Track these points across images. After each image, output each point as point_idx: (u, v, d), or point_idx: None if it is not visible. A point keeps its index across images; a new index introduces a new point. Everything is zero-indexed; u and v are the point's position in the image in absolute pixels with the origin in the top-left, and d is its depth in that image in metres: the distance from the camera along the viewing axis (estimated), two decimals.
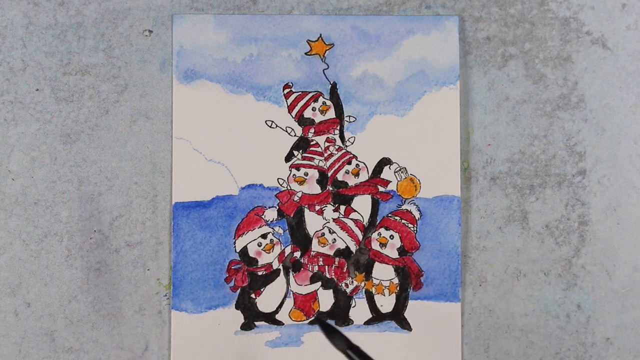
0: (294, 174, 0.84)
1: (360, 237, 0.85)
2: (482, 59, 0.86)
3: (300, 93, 0.85)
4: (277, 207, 0.84)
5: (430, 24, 0.85)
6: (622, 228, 0.85)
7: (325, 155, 0.85)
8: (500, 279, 0.85)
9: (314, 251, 0.84)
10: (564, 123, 0.85)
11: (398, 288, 0.84)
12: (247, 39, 0.84)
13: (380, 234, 0.84)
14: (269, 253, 0.84)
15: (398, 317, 0.84)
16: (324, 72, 0.85)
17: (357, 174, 0.85)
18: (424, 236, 0.84)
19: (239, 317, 0.83)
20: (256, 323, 0.83)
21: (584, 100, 0.86)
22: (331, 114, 0.85)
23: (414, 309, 0.84)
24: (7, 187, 0.83)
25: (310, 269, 0.84)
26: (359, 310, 0.84)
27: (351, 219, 0.85)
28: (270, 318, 0.84)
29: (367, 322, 0.84)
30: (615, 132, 0.85)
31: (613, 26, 0.86)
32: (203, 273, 0.83)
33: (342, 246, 0.84)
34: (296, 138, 0.85)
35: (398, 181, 0.85)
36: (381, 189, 0.85)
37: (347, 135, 0.85)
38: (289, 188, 0.84)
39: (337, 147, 0.85)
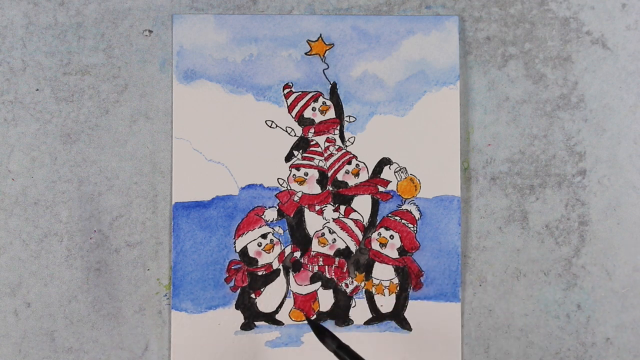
0: (294, 174, 0.84)
1: (360, 237, 0.85)
2: (482, 59, 0.86)
3: (300, 93, 0.85)
4: (277, 207, 0.84)
5: (430, 24, 0.85)
6: (622, 228, 0.85)
7: (325, 155, 0.85)
8: (500, 279, 0.85)
9: (314, 251, 0.84)
10: (564, 123, 0.85)
11: (398, 288, 0.84)
12: (247, 39, 0.84)
13: (380, 234, 0.84)
14: (269, 253, 0.84)
15: (398, 317, 0.84)
16: (324, 72, 0.85)
17: (357, 174, 0.85)
18: (424, 236, 0.84)
19: (239, 317, 0.83)
20: (256, 323, 0.83)
21: (584, 100, 0.86)
22: (331, 114, 0.85)
23: (414, 309, 0.84)
24: (7, 187, 0.83)
25: (310, 269, 0.84)
26: (359, 310, 0.84)
27: (351, 219, 0.85)
28: (270, 318, 0.84)
29: (367, 322, 0.84)
30: (615, 132, 0.85)
31: (613, 26, 0.86)
32: (203, 273, 0.83)
33: (342, 246, 0.84)
34: (296, 138, 0.85)
35: (398, 181, 0.85)
36: (381, 189, 0.85)
37: (347, 135, 0.85)
38: (289, 188, 0.84)
39: (337, 147, 0.85)
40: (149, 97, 0.84)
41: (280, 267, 0.84)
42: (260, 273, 0.84)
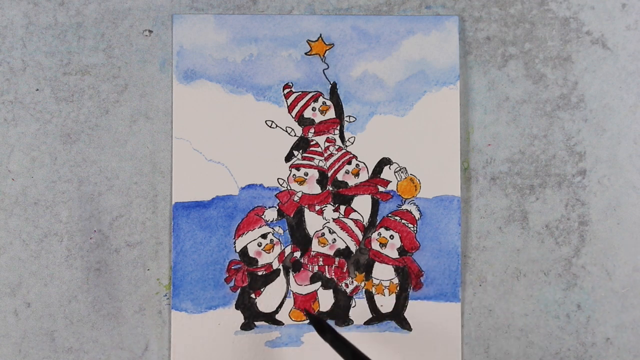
0: (294, 174, 0.84)
1: (360, 237, 0.85)
2: (482, 59, 0.86)
3: (300, 93, 0.85)
4: (277, 207, 0.84)
5: (430, 24, 0.85)
6: (622, 228, 0.85)
7: (325, 155, 0.85)
8: (500, 279, 0.85)
9: (314, 251, 0.84)
10: (564, 123, 0.85)
11: (398, 288, 0.84)
12: (247, 39, 0.84)
13: (380, 234, 0.84)
14: (269, 253, 0.84)
15: (398, 317, 0.84)
16: (324, 72, 0.85)
17: (357, 174, 0.85)
18: (424, 236, 0.84)
19: (239, 317, 0.83)
20: (256, 323, 0.83)
21: (584, 100, 0.86)
22: (331, 114, 0.85)
23: (414, 309, 0.84)
24: (7, 187, 0.83)
25: (310, 269, 0.84)
26: (359, 310, 0.84)
27: (351, 219, 0.85)
28: (270, 318, 0.84)
29: (367, 322, 0.84)
30: (615, 132, 0.85)
31: (613, 26, 0.86)
32: (203, 273, 0.83)
33: (342, 246, 0.84)
34: (296, 138, 0.85)
35: (398, 181, 0.85)
36: (381, 189, 0.85)
37: (347, 135, 0.85)
38: (289, 188, 0.84)
39: (337, 147, 0.85)
40: (149, 97, 0.84)
41: (280, 267, 0.84)
42: (260, 273, 0.84)
